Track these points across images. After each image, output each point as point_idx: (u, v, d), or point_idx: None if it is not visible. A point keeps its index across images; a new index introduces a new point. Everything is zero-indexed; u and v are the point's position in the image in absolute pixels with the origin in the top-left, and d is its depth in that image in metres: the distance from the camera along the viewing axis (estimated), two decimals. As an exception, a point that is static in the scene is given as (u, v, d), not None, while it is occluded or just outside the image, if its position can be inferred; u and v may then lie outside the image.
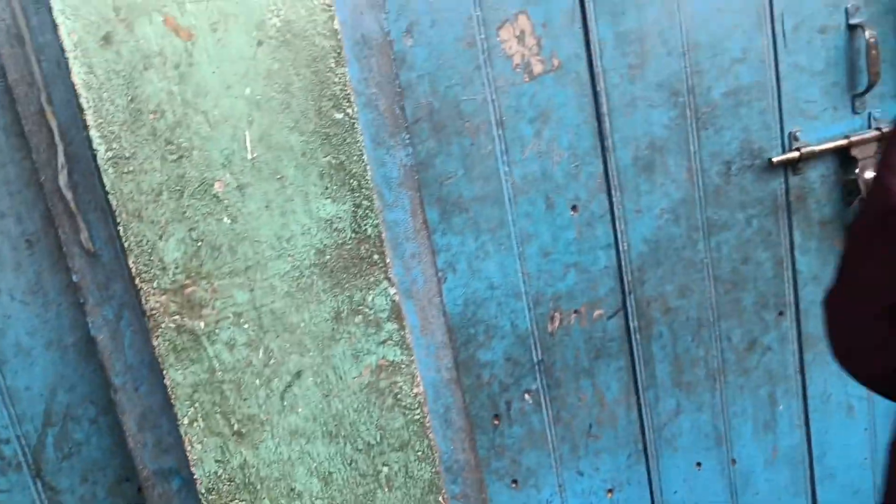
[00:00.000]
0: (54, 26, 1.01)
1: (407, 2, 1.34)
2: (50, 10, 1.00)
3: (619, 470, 1.71)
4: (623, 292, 1.61)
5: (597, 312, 1.61)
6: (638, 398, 1.68)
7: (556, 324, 1.59)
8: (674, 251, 1.62)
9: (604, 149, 1.54)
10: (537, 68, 1.47)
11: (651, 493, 1.74)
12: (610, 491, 1.72)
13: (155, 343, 1.14)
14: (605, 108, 1.51)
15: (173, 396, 1.16)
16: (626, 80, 1.52)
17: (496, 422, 1.59)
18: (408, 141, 1.33)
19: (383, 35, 1.28)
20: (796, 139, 1.64)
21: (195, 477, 1.20)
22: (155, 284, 1.11)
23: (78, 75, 1.02)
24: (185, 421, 1.17)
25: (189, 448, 1.18)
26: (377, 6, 1.27)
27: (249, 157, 1.12)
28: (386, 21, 1.30)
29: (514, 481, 1.63)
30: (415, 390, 1.28)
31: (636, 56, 1.52)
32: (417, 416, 1.29)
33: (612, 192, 1.56)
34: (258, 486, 1.23)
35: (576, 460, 1.67)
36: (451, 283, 1.49)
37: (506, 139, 1.47)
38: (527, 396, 1.60)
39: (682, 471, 1.76)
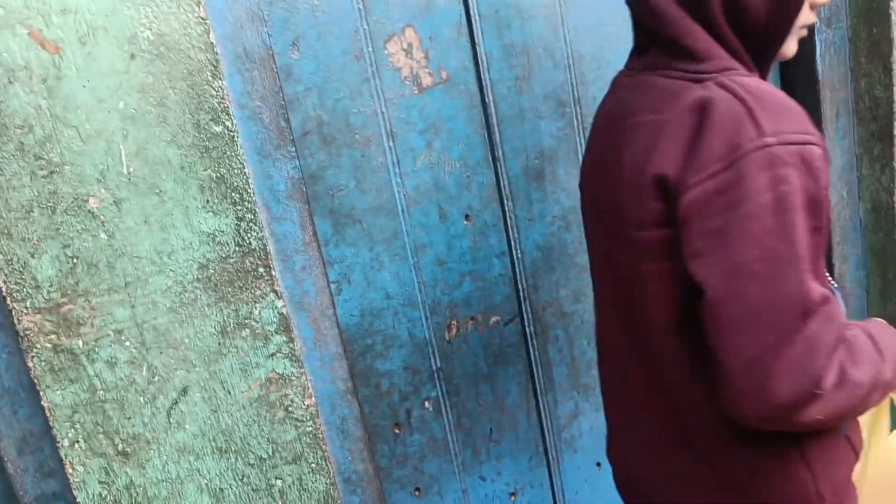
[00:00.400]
0: None
1: (291, 15, 1.35)
2: None
3: (521, 473, 1.74)
4: (519, 299, 1.65)
5: (493, 319, 1.64)
6: (537, 402, 1.71)
7: (454, 331, 1.61)
8: (567, 257, 1.67)
9: (494, 159, 1.57)
10: (426, 81, 1.49)
11: (553, 494, 1.78)
12: (513, 494, 1.75)
13: (30, 364, 1.11)
14: (494, 119, 1.55)
15: (52, 418, 1.13)
16: (513, 92, 1.56)
17: (397, 430, 1.60)
18: (294, 153, 1.34)
19: (265, 49, 1.29)
20: (680, 147, 1.71)
21: (77, 500, 1.17)
22: (28, 304, 1.09)
23: (-63, 90, 0.99)
24: (66, 443, 1.14)
25: (70, 471, 1.15)
26: (258, 20, 1.28)
27: (125, 171, 1.11)
28: (269, 35, 1.30)
29: (417, 489, 1.64)
30: (306, 402, 1.28)
31: (523, 68, 1.56)
32: (310, 428, 1.29)
33: (505, 201, 1.59)
34: (145, 507, 1.20)
35: (478, 465, 1.70)
36: (347, 295, 1.49)
37: (397, 151, 1.49)
38: (427, 404, 1.61)
39: (583, 472, 1.80)
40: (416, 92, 1.49)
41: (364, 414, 1.53)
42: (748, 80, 0.92)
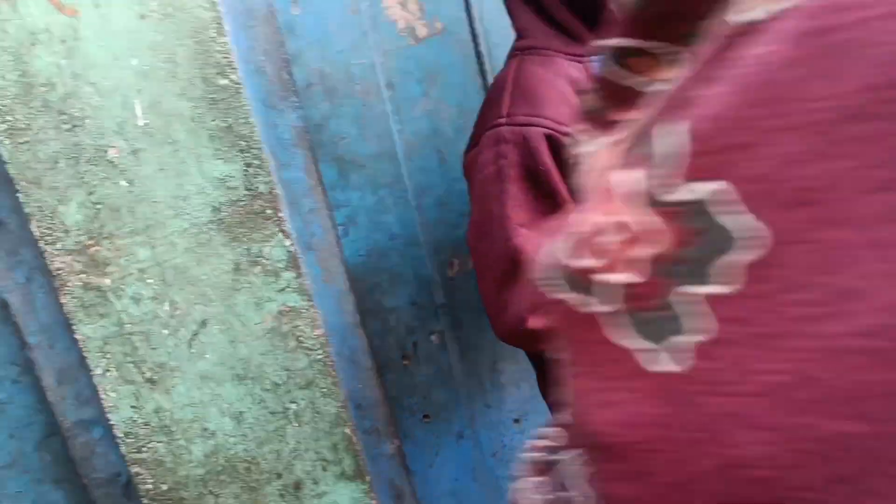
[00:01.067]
0: (-58, 8, 1.08)
1: (290, -28, 1.43)
2: (-64, -8, 1.07)
3: (523, 401, 1.85)
4: (517, 237, 1.74)
5: (493, 257, 1.73)
6: (537, 335, 1.81)
7: (456, 269, 1.71)
8: (562, 197, 1.75)
9: (490, 104, 1.65)
10: (421, 32, 1.57)
11: (555, 421, 1.89)
12: (516, 421, 1.86)
13: (64, 301, 1.23)
14: (488, 67, 1.63)
15: (85, 350, 1.25)
16: (506, 41, 1.62)
17: (405, 362, 1.71)
18: (297, 104, 1.43)
19: (267, 6, 1.37)
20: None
21: (112, 423, 1.30)
22: (59, 246, 1.20)
23: (-32, 53, 1.09)
24: (99, 371, 1.27)
25: (104, 397, 1.28)
26: (259, -22, 1.36)
27: (141, 123, 1.21)
28: (269, -9, 1.38)
29: (426, 416, 1.76)
30: (316, 332, 1.40)
31: (515, 16, 1.63)
32: (320, 356, 1.41)
33: (501, 144, 1.67)
34: (173, 428, 1.33)
35: (483, 394, 1.81)
36: (354, 236, 1.60)
37: (396, 100, 1.58)
38: (433, 337, 1.72)
39: (583, 400, 1.91)
40: (413, 43, 1.57)
41: (373, 346, 1.65)
42: (530, 65, 1.06)
